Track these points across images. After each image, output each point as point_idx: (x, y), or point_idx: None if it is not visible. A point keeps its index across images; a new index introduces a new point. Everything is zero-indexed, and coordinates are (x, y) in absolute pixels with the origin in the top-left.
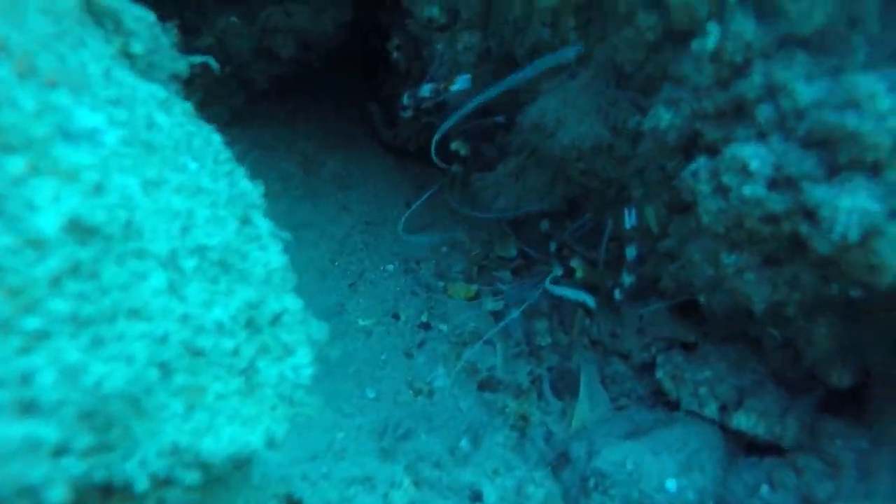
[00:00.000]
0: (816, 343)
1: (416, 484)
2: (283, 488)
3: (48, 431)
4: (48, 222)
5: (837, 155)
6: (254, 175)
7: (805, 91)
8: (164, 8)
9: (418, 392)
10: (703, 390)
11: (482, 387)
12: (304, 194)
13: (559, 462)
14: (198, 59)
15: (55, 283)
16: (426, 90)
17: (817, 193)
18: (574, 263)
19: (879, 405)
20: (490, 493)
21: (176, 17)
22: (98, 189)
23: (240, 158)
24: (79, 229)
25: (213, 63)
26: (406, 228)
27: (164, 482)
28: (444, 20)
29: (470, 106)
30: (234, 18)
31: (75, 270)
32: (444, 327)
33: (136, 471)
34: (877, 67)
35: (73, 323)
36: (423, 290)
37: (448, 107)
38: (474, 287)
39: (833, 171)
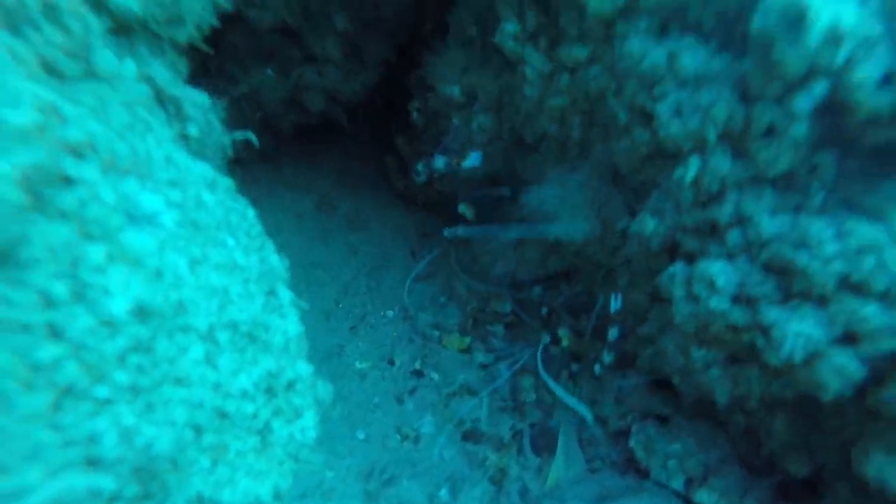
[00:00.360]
0: (775, 434)
1: None
2: None
3: (107, 483)
4: (119, 306)
5: (791, 284)
6: (273, 210)
7: (769, 224)
8: (209, 58)
9: (405, 437)
10: (671, 463)
11: (466, 437)
12: (317, 233)
13: None
14: (240, 135)
15: (121, 358)
16: (440, 163)
17: (771, 314)
18: (561, 332)
19: (831, 496)
20: None
21: (217, 65)
22: (157, 274)
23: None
24: (141, 312)
25: (253, 139)
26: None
27: None
28: (462, 100)
29: (500, 233)
30: (270, 72)
31: (136, 347)
32: (435, 376)
33: None
34: (829, 211)
35: (132, 391)
36: (419, 338)
37: (459, 178)
38: (468, 339)
39: (787, 297)
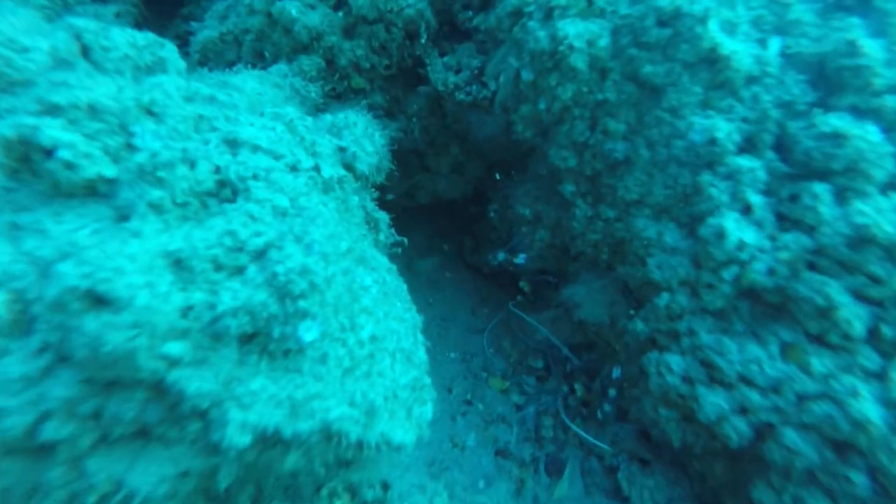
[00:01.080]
0: (714, 476)
1: (451, 496)
2: (384, 474)
3: (356, 414)
4: (365, 334)
5: (713, 374)
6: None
7: (706, 338)
8: None
9: (455, 445)
10: (646, 493)
11: (498, 453)
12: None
13: None
14: (402, 239)
15: (365, 358)
16: (501, 257)
17: (701, 390)
18: (576, 385)
19: None
20: None
21: None
22: (377, 319)
23: None
24: (373, 338)
25: (404, 241)
26: (472, 327)
27: (377, 447)
28: (531, 218)
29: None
30: (396, 172)
31: (369, 355)
32: (480, 406)
33: (371, 439)
34: (741, 336)
35: (366, 375)
36: (471, 377)
37: (519, 267)
38: (507, 383)
39: (711, 381)
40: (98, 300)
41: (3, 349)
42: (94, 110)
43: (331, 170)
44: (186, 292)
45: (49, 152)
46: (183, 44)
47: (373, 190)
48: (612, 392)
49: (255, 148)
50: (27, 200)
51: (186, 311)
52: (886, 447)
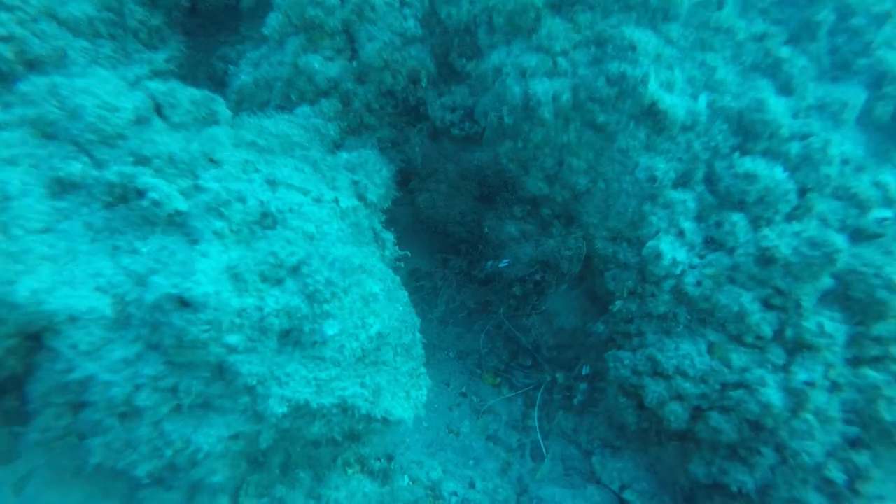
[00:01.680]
0: (667, 457)
1: (444, 471)
2: (388, 449)
3: (367, 392)
4: (373, 330)
5: (656, 367)
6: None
7: (651, 337)
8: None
9: (451, 431)
10: (615, 474)
11: (488, 439)
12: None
13: (521, 492)
14: (404, 254)
15: (374, 350)
16: (490, 266)
17: (647, 381)
18: (558, 375)
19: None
20: (479, 485)
21: None
22: (383, 319)
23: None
24: (378, 335)
25: (408, 254)
26: (469, 329)
27: (382, 420)
28: (517, 236)
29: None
30: (400, 195)
31: (377, 348)
32: (474, 398)
33: (377, 413)
34: (679, 336)
35: (374, 364)
36: (467, 373)
37: (506, 274)
38: (498, 379)
39: (654, 373)
40: (183, 303)
41: (108, 339)
42: (172, 160)
43: (347, 200)
44: (241, 298)
45: (141, 192)
46: (217, 78)
47: (381, 214)
48: (581, 386)
49: (289, 186)
50: (121, 227)
51: (241, 312)
52: (787, 426)
